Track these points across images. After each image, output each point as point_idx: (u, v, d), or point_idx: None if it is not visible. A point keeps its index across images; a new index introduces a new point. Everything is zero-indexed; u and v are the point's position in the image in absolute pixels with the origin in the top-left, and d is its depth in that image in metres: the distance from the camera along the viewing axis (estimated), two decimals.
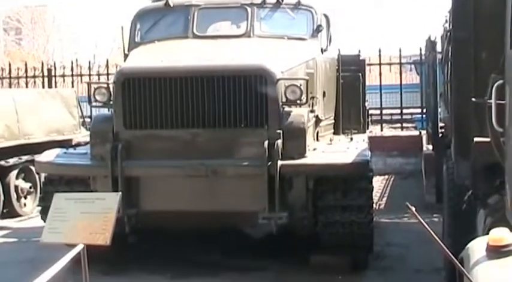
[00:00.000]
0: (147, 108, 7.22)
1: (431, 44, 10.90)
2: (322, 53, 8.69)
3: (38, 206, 10.44)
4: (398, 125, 15.44)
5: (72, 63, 16.29)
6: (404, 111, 15.10)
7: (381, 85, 14.57)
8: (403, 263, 8.01)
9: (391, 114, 15.51)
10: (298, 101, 7.19)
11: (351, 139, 8.64)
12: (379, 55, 14.72)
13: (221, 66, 7.21)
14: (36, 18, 50.59)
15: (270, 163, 6.90)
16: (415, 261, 8.04)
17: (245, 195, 7.06)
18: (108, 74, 15.26)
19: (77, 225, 5.06)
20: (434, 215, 10.14)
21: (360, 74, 9.87)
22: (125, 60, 8.82)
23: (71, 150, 8.07)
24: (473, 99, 4.76)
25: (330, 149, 7.61)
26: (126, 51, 8.80)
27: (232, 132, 7.17)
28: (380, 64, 14.69)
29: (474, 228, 6.17)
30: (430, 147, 11.26)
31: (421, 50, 14.51)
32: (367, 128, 10.23)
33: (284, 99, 7.19)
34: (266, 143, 6.94)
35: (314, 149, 7.43)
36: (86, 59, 16.26)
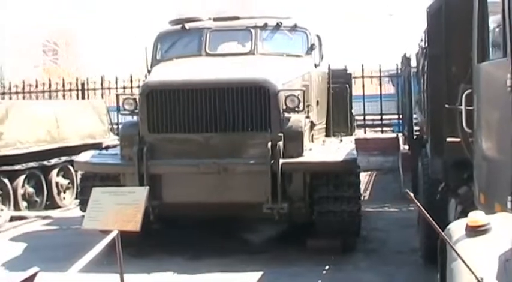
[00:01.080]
0: (168, 115, 7.24)
1: (406, 60, 10.89)
2: (316, 67, 8.70)
3: (76, 199, 10.50)
4: (379, 128, 15.43)
5: (101, 78, 16.28)
6: (384, 117, 15.10)
7: (363, 95, 14.57)
8: (385, 245, 8.00)
9: (373, 120, 15.50)
10: (296, 109, 7.20)
11: (341, 141, 8.66)
12: (362, 70, 14.73)
13: (231, 79, 7.23)
14: (69, 41, 50.68)
15: (272, 161, 6.92)
16: (395, 243, 8.04)
17: (251, 188, 7.07)
18: (132, 87, 15.24)
19: (112, 214, 5.05)
20: (411, 205, 10.19)
21: (347, 85, 9.88)
22: (147, 75, 8.86)
23: (103, 151, 8.08)
24: (446, 105, 4.77)
25: (323, 149, 7.63)
26: (149, 68, 8.82)
27: (240, 135, 7.18)
28: (363, 77, 14.70)
29: (446, 215, 6.19)
30: (407, 147, 11.25)
31: (397, 65, 14.55)
32: (353, 131, 10.23)
33: (284, 107, 7.20)
34: (269, 144, 6.95)
35: (310, 149, 7.43)
36: (111, 74, 16.23)
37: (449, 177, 5.54)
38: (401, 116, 14.15)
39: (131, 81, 15.61)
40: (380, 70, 15.11)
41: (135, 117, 7.70)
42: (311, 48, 8.69)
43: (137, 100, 7.44)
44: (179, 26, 8.90)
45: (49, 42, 52.24)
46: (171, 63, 8.44)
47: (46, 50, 53.92)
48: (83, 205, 7.61)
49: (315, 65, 8.69)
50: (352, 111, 10.20)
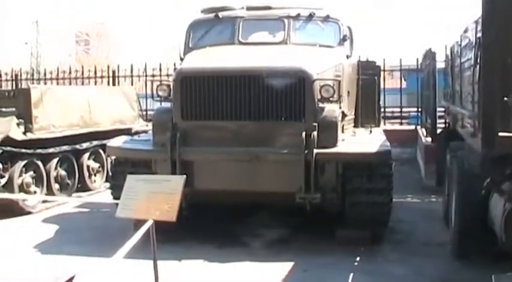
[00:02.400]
0: (201, 102, 6.66)
1: (431, 54, 10.23)
2: (347, 58, 8.07)
3: (106, 182, 9.98)
4: (398, 120, 14.79)
5: (131, 66, 15.71)
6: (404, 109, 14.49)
7: (384, 88, 13.92)
8: (412, 237, 7.40)
9: (392, 112, 14.85)
10: (331, 99, 6.61)
11: (370, 132, 8.04)
12: (383, 64, 14.06)
13: (267, 67, 6.63)
14: (100, 32, 50.38)
15: (306, 151, 6.34)
16: (422, 235, 7.45)
17: (284, 178, 6.49)
18: (160, 75, 14.68)
19: (146, 203, 4.51)
20: (432, 196, 9.60)
21: (375, 78, 9.26)
22: (181, 63, 8.28)
23: (135, 137, 7.53)
24: (505, 98, 4.16)
25: (356, 140, 7.02)
26: (181, 56, 8.25)
27: (274, 124, 6.60)
28: (384, 71, 14.05)
29: (486, 209, 5.60)
30: (429, 139, 10.60)
31: (417, 60, 13.97)
32: (380, 123, 9.62)
33: (319, 97, 6.60)
34: (303, 134, 6.37)
35: (343, 140, 6.83)
36: (141, 64, 15.68)
37: (495, 172, 4.92)
38: (420, 109, 13.55)
39: (160, 69, 15.04)
40: (401, 65, 14.47)
41: (169, 104, 7.13)
42: (343, 39, 8.07)
43: (171, 86, 6.86)
44: (212, 15, 8.29)
45: (81, 33, 51.99)
46: (204, 50, 7.85)
47: (79, 40, 53.69)
48: (115, 190, 7.10)
49: (347, 56, 8.06)
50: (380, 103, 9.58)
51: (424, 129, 12.27)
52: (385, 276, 5.94)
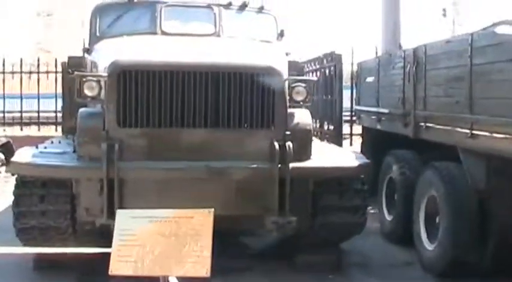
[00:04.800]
0: (144, 104, 5.17)
1: (336, 57, 9.54)
2: (287, 56, 7.02)
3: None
4: None
5: None
6: None
7: None
8: (372, 258, 6.46)
9: None
10: (303, 103, 5.52)
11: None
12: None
13: (230, 63, 5.33)
14: None
15: (280, 165, 5.17)
16: (380, 256, 6.58)
17: (252, 198, 5.25)
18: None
19: (158, 253, 3.06)
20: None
21: None
22: (88, 54, 6.62)
23: (43, 149, 5.70)
24: None
25: (324, 151, 5.97)
26: (86, 46, 6.60)
27: (237, 132, 5.33)
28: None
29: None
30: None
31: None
32: None
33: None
34: (277, 144, 5.20)
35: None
36: None
37: None
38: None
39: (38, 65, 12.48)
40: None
41: (94, 106, 5.51)
42: (281, 34, 7.03)
43: (101, 83, 5.25)
44: None
45: None
46: (123, 40, 6.28)
47: None
48: (18, 220, 5.30)
49: (286, 54, 7.01)
50: None
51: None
52: None
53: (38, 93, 12.18)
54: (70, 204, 5.30)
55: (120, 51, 5.56)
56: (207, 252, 3.03)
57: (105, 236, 5.27)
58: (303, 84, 5.51)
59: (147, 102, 5.16)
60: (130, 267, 3.04)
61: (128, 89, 5.14)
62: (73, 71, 7.55)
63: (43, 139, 11.78)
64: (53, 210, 5.27)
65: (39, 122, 12.58)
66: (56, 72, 11.89)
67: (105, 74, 5.19)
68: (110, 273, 3.08)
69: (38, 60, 12.16)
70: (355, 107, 10.01)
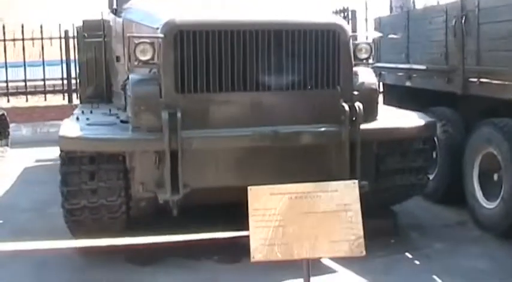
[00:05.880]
0: (203, 67, 4.74)
1: None
2: None
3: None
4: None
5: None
6: None
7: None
8: (422, 219, 6.26)
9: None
10: (368, 61, 5.18)
11: None
12: None
13: (294, 20, 4.93)
14: None
15: (350, 128, 4.86)
16: (429, 216, 6.37)
17: (322, 163, 4.94)
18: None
19: (304, 233, 2.73)
20: None
21: None
22: (117, 15, 6.08)
23: (86, 120, 5.20)
24: None
25: (385, 112, 5.66)
26: (114, 6, 6.07)
27: (302, 94, 4.98)
28: None
29: None
30: None
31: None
32: None
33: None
34: (346, 106, 4.87)
35: None
36: None
37: None
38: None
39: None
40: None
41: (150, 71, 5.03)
42: None
43: (155, 46, 4.77)
44: None
45: None
46: None
47: None
48: (68, 200, 4.83)
49: None
50: None
51: None
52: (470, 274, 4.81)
53: (43, 60, 11.42)
54: (123, 180, 4.86)
55: (173, 9, 5.07)
56: (359, 229, 2.71)
57: (161, 213, 4.94)
58: (368, 41, 5.17)
59: (207, 65, 4.74)
60: (276, 251, 2.69)
61: (186, 51, 4.70)
62: (89, 35, 7.14)
63: (51, 110, 11.26)
64: (105, 187, 4.82)
65: (45, 91, 11.84)
66: (60, 37, 11.33)
67: (161, 35, 4.71)
68: (252, 260, 2.73)
69: (41, 26, 11.30)
70: None
